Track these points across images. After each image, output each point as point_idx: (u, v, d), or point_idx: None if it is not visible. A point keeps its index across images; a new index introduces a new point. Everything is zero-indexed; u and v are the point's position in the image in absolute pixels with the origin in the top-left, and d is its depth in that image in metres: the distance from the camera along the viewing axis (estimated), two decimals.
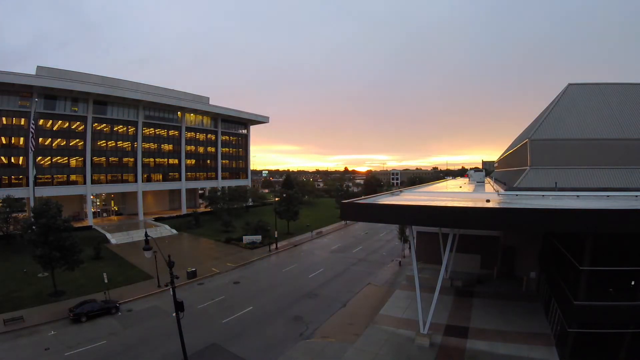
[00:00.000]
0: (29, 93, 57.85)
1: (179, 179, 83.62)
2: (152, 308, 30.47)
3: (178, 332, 18.51)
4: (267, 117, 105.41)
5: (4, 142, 57.47)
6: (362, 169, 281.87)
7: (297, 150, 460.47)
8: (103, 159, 69.80)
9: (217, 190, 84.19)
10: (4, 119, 56.87)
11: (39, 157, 60.07)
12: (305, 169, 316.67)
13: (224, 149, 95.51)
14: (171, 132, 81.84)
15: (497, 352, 21.57)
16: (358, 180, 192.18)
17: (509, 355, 21.05)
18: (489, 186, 44.67)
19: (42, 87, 58.05)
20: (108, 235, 55.92)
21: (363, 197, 34.76)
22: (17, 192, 54.01)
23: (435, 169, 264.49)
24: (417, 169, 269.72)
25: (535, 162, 32.39)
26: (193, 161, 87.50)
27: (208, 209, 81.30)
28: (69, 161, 65.06)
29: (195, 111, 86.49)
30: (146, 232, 22.36)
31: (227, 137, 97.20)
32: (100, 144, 69.55)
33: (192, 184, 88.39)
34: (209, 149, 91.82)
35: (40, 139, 60.04)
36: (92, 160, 66.95)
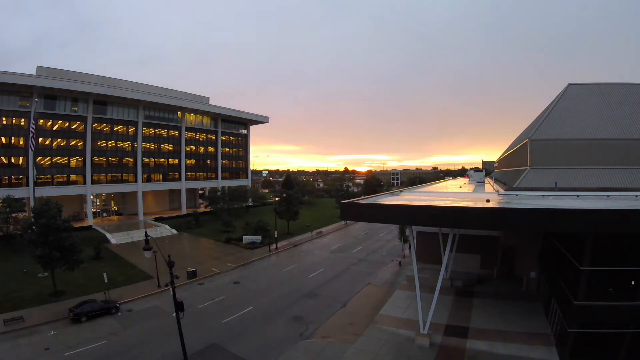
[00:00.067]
0: (29, 93, 57.86)
1: (179, 179, 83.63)
2: (152, 308, 30.47)
3: (178, 332, 18.51)
4: (267, 117, 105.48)
5: (4, 142, 57.48)
6: (362, 169, 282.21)
7: (297, 150, 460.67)
8: (103, 159, 69.81)
9: (217, 190, 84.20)
10: (4, 119, 56.87)
11: (39, 157, 60.08)
12: (305, 169, 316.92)
13: (224, 149, 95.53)
14: (171, 132, 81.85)
15: (497, 352, 21.58)
16: (358, 180, 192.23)
17: (509, 355, 21.06)
18: (489, 186, 44.70)
19: (42, 87, 58.05)
20: (108, 235, 55.92)
21: (363, 197, 34.77)
22: (17, 192, 54.04)
23: (435, 169, 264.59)
24: (417, 169, 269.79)
25: (535, 162, 32.39)
26: (193, 161, 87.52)
27: (208, 209, 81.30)
28: (69, 161, 65.07)
29: (195, 111, 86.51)
30: (146, 232, 22.38)
31: (227, 137, 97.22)
32: (100, 144, 69.57)
33: (192, 184, 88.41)
34: (209, 149, 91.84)
35: (40, 139, 60.05)
36: (92, 160, 66.96)
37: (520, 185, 30.49)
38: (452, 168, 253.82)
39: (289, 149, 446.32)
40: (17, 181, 58.52)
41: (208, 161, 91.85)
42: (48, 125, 61.84)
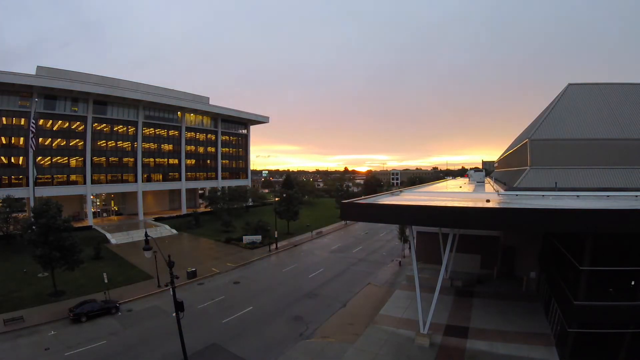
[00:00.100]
0: (29, 93, 57.85)
1: (179, 179, 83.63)
2: (152, 308, 30.47)
3: (178, 332, 18.52)
4: (267, 117, 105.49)
5: (4, 142, 57.48)
6: (362, 169, 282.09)
7: (297, 150, 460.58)
8: (103, 159, 69.81)
9: (217, 190, 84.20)
10: (4, 119, 56.86)
11: (39, 157, 60.06)
12: (305, 169, 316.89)
13: (224, 149, 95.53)
14: (171, 132, 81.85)
15: (497, 352, 21.58)
16: (358, 180, 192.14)
17: (509, 355, 21.06)
18: (489, 186, 44.69)
19: (42, 87, 58.04)
20: (108, 235, 55.92)
21: (363, 197, 34.77)
22: (17, 192, 54.02)
23: (435, 169, 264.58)
24: (417, 169, 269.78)
25: (535, 162, 32.39)
26: (193, 161, 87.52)
27: (208, 209, 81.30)
28: (69, 161, 65.07)
29: (195, 111, 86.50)
30: (146, 232, 22.36)
31: (227, 137, 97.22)
32: (100, 144, 69.57)
33: (192, 184, 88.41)
34: (209, 149, 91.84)
35: (40, 139, 59.98)
36: (92, 160, 66.95)
37: (520, 185, 30.49)
38: (452, 168, 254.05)
39: (289, 149, 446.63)
40: (17, 181, 58.52)
41: (208, 161, 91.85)
42: (48, 125, 61.82)
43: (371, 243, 57.83)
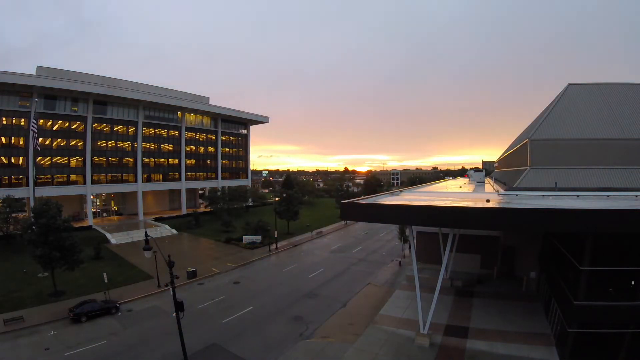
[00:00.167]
0: (29, 93, 57.86)
1: (179, 179, 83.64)
2: (152, 308, 30.47)
3: (178, 332, 18.52)
4: (267, 117, 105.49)
5: (4, 142, 57.49)
6: (362, 169, 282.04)
7: (297, 150, 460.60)
8: (103, 159, 69.81)
9: (217, 190, 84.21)
10: (4, 119, 56.87)
11: (39, 157, 60.06)
12: (305, 169, 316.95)
13: (224, 149, 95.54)
14: (171, 132, 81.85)
15: (497, 352, 21.58)
16: (358, 180, 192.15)
17: (509, 355, 21.06)
18: (489, 186, 44.70)
19: (42, 87, 58.05)
20: (108, 235, 55.92)
21: (363, 197, 34.76)
22: (17, 192, 54.05)
23: (435, 169, 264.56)
24: (417, 169, 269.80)
25: (535, 162, 32.39)
26: (193, 161, 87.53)
27: (208, 209, 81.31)
28: (69, 161, 65.07)
29: (195, 111, 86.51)
30: (146, 232, 22.38)
31: (227, 137, 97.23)
32: (100, 144, 69.57)
33: (192, 184, 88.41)
34: (209, 149, 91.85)
35: (41, 139, 59.77)
36: (92, 160, 66.96)
37: (520, 185, 30.49)
38: (452, 168, 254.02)
39: (289, 149, 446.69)
40: (17, 181, 58.53)
41: (208, 161, 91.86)
42: (48, 125, 61.82)
43: (371, 243, 57.83)
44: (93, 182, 67.49)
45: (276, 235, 54.30)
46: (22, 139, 58.10)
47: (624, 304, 18.72)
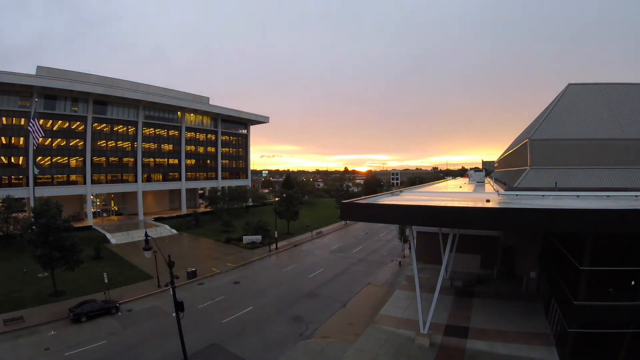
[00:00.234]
0: (29, 93, 57.87)
1: (179, 179, 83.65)
2: (152, 308, 30.47)
3: (178, 332, 18.52)
4: (267, 117, 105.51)
5: (4, 142, 57.50)
6: (362, 169, 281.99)
7: (297, 150, 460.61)
8: (103, 159, 69.82)
9: (217, 190, 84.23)
10: (4, 119, 56.88)
11: (39, 157, 60.06)
12: (305, 169, 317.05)
13: (224, 149, 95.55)
14: (171, 132, 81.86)
15: (497, 352, 21.58)
16: (358, 180, 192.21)
17: (509, 355, 21.06)
18: (489, 186, 44.71)
19: (42, 87, 58.06)
20: (108, 235, 55.93)
21: (363, 197, 34.76)
22: (17, 192, 54.06)
23: (435, 169, 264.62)
24: (417, 169, 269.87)
25: (535, 162, 32.40)
26: (193, 161, 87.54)
27: (208, 209, 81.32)
28: (69, 161, 65.09)
29: (195, 111, 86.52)
30: (146, 232, 22.38)
31: (227, 137, 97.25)
32: (100, 144, 69.58)
33: (192, 184, 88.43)
34: (209, 149, 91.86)
35: (41, 139, 59.86)
36: (92, 160, 66.97)
37: (520, 185, 30.49)
38: (452, 168, 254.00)
39: (289, 149, 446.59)
40: (17, 181, 58.54)
41: (208, 161, 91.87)
42: (48, 125, 61.76)
43: (371, 243, 57.84)
44: (93, 182, 67.50)
45: (276, 235, 54.31)
46: (22, 139, 58.10)
47: (624, 304, 18.72)
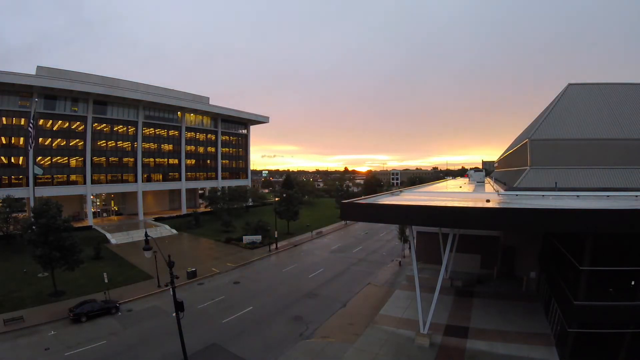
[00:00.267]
0: (29, 93, 57.86)
1: (179, 179, 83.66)
2: (152, 308, 30.48)
3: (178, 332, 18.52)
4: (267, 117, 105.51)
5: (4, 142, 57.50)
6: (362, 169, 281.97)
7: (297, 150, 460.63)
8: (103, 159, 69.83)
9: (217, 190, 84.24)
10: (4, 119, 56.88)
11: (39, 157, 60.05)
12: (305, 169, 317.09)
13: (224, 149, 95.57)
14: (171, 132, 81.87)
15: (497, 352, 21.58)
16: (358, 180, 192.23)
17: (509, 355, 21.06)
18: (489, 186, 44.71)
19: (42, 87, 58.06)
20: (108, 235, 55.93)
21: (363, 197, 34.76)
22: (17, 192, 54.05)
23: (435, 169, 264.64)
24: (417, 169, 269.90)
25: (535, 162, 32.40)
26: (193, 161, 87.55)
27: (208, 209, 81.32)
28: (69, 161, 65.09)
29: (195, 111, 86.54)
30: (146, 232, 22.37)
31: (227, 137, 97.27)
32: (100, 144, 69.59)
33: (192, 184, 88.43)
34: (209, 149, 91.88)
35: (40, 139, 60.05)
36: (92, 160, 66.97)
37: (520, 185, 30.49)
38: (452, 168, 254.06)
39: (289, 149, 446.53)
40: (17, 181, 58.53)
41: (208, 161, 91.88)
42: (48, 125, 61.85)
43: (371, 243, 57.84)
44: (93, 182, 67.50)
45: (276, 235, 54.31)
46: (22, 139, 58.04)
47: (624, 304, 18.72)
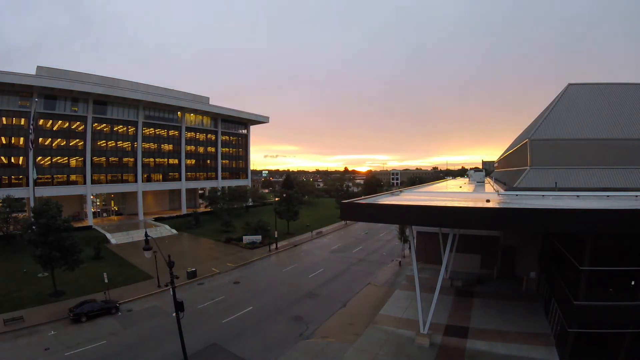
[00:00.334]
0: (29, 93, 57.88)
1: (179, 179, 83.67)
2: (152, 308, 30.48)
3: (178, 332, 18.53)
4: (267, 117, 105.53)
5: (4, 142, 57.51)
6: (362, 169, 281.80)
7: (297, 150, 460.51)
8: (103, 159, 69.84)
9: (217, 190, 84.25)
10: (4, 119, 56.89)
11: (39, 157, 60.09)
12: (305, 169, 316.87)
13: (224, 149, 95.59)
14: (171, 132, 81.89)
15: (497, 352, 21.58)
16: (358, 180, 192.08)
17: (509, 355, 21.06)
18: (489, 186, 44.71)
19: (42, 87, 58.07)
20: (108, 235, 55.94)
21: (363, 197, 34.75)
22: (17, 192, 54.07)
23: (435, 169, 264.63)
24: (417, 169, 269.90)
25: (535, 162, 32.40)
26: (193, 161, 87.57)
27: (208, 209, 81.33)
28: (69, 161, 65.10)
29: (195, 111, 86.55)
30: (146, 232, 22.38)
31: (227, 137, 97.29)
32: (100, 144, 69.60)
33: (192, 184, 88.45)
34: (209, 149, 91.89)
35: (40, 139, 60.12)
36: (92, 160, 66.99)
37: (520, 185, 30.50)
38: (452, 168, 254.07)
39: (289, 149, 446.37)
40: (17, 181, 58.54)
41: (208, 161, 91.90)
42: (48, 125, 61.86)
43: (371, 243, 57.84)
44: (93, 182, 67.52)
45: (276, 235, 54.31)
46: (22, 139, 58.11)
47: (624, 304, 18.72)
